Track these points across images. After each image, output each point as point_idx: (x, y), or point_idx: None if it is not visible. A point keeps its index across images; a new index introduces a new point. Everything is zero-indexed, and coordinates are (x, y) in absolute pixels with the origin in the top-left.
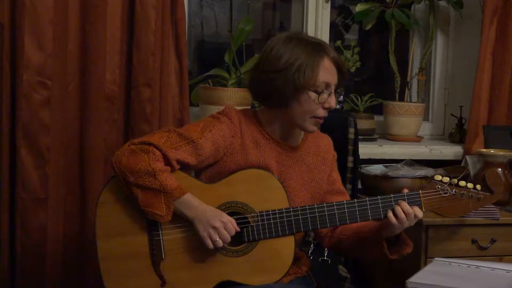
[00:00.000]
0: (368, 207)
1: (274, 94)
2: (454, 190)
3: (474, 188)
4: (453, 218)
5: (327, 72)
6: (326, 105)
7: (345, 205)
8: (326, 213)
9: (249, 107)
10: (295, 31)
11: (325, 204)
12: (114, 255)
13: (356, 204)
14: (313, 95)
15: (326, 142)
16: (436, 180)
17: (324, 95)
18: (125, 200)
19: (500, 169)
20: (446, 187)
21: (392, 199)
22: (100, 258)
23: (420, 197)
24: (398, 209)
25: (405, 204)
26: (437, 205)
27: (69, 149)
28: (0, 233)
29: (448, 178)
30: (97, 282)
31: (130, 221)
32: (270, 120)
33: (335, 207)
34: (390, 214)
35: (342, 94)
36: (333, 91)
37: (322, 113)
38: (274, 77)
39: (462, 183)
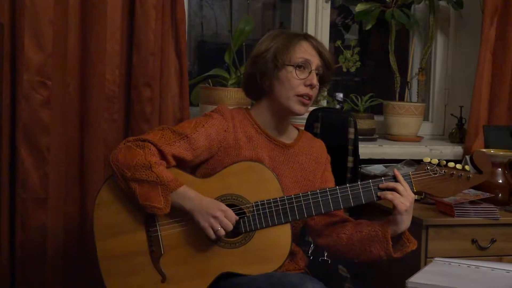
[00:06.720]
0: (361, 190)
1: (256, 77)
2: (443, 170)
3: (463, 168)
4: (444, 197)
5: (304, 51)
6: (307, 82)
7: (338, 191)
8: (320, 199)
9: (249, 107)
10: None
11: (318, 191)
12: (114, 254)
13: (348, 189)
14: (291, 69)
15: (319, 145)
16: (426, 162)
17: (304, 71)
18: (121, 199)
19: (500, 169)
20: (435, 168)
21: (384, 179)
22: (100, 258)
23: (410, 178)
24: (384, 186)
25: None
26: (428, 186)
27: (69, 149)
28: (0, 233)
29: (437, 160)
30: (98, 281)
31: (127, 219)
32: (260, 113)
33: (328, 192)
34: (385, 193)
35: (329, 81)
36: (313, 69)
37: (304, 90)
38: (255, 61)
39: (451, 164)
